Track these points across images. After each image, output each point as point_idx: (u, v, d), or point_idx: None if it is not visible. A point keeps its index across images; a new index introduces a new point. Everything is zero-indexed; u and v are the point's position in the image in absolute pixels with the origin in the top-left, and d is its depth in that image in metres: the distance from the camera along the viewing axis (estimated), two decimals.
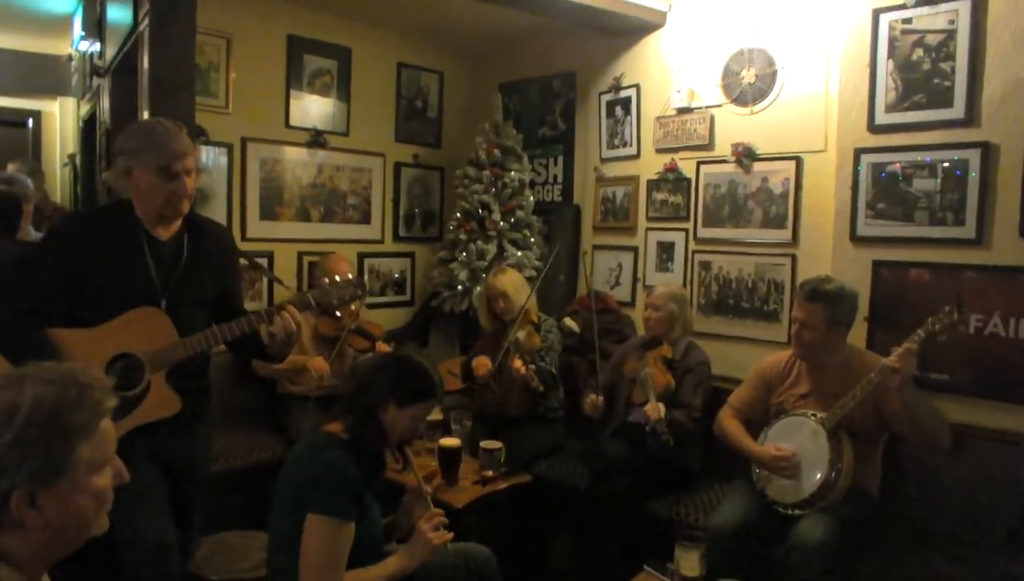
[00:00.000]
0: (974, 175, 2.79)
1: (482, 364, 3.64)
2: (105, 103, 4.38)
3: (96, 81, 4.73)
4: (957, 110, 2.82)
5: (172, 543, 2.21)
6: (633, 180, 4.15)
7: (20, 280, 2.11)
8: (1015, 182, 2.70)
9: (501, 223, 4.35)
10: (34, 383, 1.13)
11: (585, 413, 3.33)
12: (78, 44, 5.13)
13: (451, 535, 2.13)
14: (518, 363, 3.39)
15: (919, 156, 2.93)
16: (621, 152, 4.22)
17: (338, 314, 3.73)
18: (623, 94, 4.19)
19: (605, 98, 4.29)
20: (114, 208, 2.23)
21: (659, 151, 3.99)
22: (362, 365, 3.80)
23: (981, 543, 2.61)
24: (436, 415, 3.63)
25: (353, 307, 3.73)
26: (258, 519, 3.03)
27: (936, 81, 2.87)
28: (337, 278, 2.33)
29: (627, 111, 4.17)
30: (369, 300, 4.72)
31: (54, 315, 2.07)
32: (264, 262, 4.31)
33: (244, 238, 4.22)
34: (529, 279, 4.19)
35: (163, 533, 2.15)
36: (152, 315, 2.12)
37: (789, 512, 2.63)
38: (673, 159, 3.91)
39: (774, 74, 3.49)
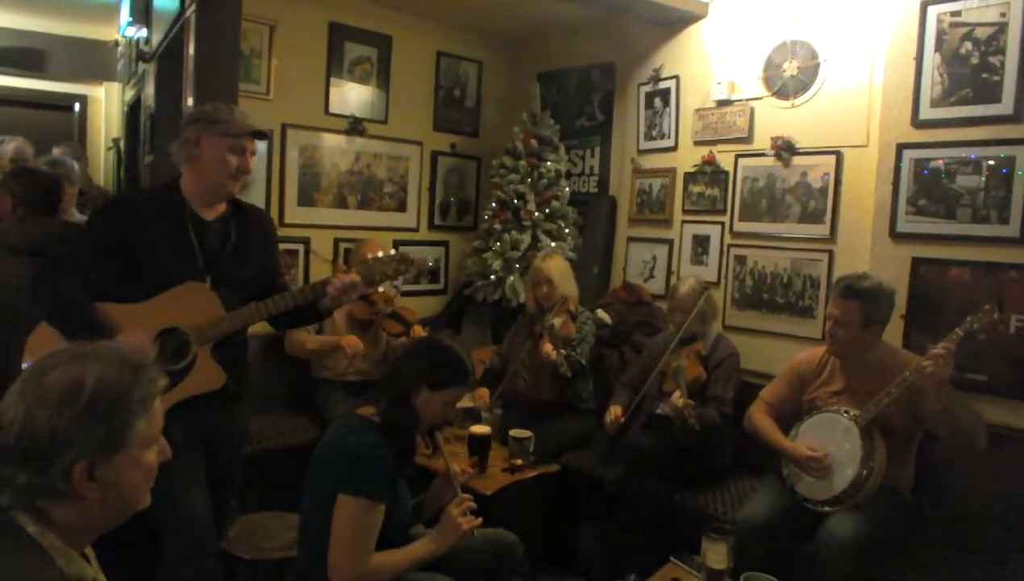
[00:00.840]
0: (1021, 173, 2.73)
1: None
2: (150, 88, 4.47)
3: (142, 67, 4.84)
4: (1006, 106, 2.75)
5: (210, 519, 2.27)
6: (670, 172, 4.12)
7: (70, 257, 2.18)
8: None
9: (536, 213, 4.35)
10: (96, 361, 1.18)
11: (608, 428, 3.35)
12: (125, 30, 5.23)
13: (479, 520, 2.15)
14: (548, 348, 3.40)
15: (964, 152, 2.87)
16: (659, 144, 4.20)
17: (373, 300, 3.80)
18: (662, 85, 4.16)
19: (644, 89, 4.27)
20: (162, 188, 2.30)
21: (697, 144, 3.96)
22: (397, 349, 3.85)
23: (1015, 546, 2.56)
24: (467, 402, 3.67)
25: (389, 290, 3.78)
26: (289, 501, 3.09)
27: (984, 76, 2.80)
28: (380, 254, 2.35)
29: (666, 103, 4.14)
30: (404, 287, 4.77)
31: (104, 287, 2.14)
32: (300, 248, 4.38)
33: (282, 224, 4.28)
34: None
35: (202, 509, 2.21)
36: (198, 290, 2.18)
37: (819, 509, 2.60)
38: (711, 152, 3.88)
39: (817, 67, 3.44)
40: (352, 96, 4.53)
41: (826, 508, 2.58)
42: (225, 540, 2.62)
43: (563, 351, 3.39)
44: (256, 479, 3.18)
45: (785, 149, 3.53)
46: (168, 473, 1.33)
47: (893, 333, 2.90)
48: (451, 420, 2.38)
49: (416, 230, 4.94)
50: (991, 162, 2.80)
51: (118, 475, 1.16)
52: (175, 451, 1.32)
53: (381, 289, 3.70)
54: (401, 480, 2.16)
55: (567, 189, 4.48)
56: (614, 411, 3.36)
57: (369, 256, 2.34)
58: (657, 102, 4.20)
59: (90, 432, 1.12)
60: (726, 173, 3.83)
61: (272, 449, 3.54)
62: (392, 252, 2.38)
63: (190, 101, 3.27)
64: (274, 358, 3.94)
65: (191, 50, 3.21)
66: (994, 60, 2.79)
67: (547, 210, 4.40)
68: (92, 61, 6.54)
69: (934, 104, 2.94)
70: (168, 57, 4.04)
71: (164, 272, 2.16)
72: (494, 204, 4.53)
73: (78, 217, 3.76)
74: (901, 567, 2.52)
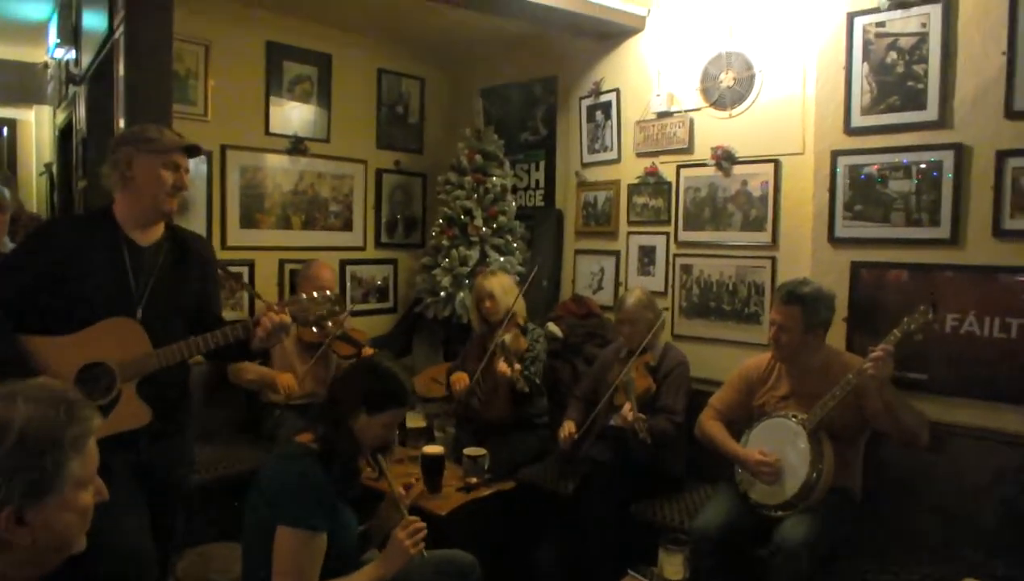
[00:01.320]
0: (948, 176, 2.82)
1: (459, 379, 3.65)
2: (81, 111, 4.34)
3: (72, 89, 4.69)
4: (931, 112, 2.85)
5: (151, 555, 2.19)
6: (614, 184, 4.16)
7: None
8: (987, 183, 2.73)
9: (484, 229, 4.34)
10: (25, 400, 1.13)
11: (561, 445, 3.34)
12: (53, 51, 5.09)
13: (422, 545, 2.09)
14: (503, 366, 3.39)
15: (895, 158, 2.96)
16: (602, 156, 4.24)
17: (315, 329, 3.73)
18: (603, 99, 4.20)
19: (586, 103, 4.30)
20: (95, 214, 2.23)
21: (640, 155, 4.00)
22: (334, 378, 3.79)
23: (961, 541, 2.63)
24: (419, 422, 3.63)
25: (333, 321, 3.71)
26: (239, 530, 3.02)
27: (910, 84, 2.90)
28: (315, 294, 2.30)
29: (607, 115, 4.18)
30: (352, 307, 4.71)
31: (28, 319, 2.05)
32: (244, 271, 4.29)
33: (224, 246, 4.19)
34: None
35: (142, 546, 2.13)
36: (125, 325, 2.11)
37: (772, 513, 2.63)
38: (654, 163, 3.93)
39: (752, 77, 3.52)
40: (293, 115, 4.47)
41: (779, 512, 2.61)
42: (172, 575, 2.53)
43: (518, 366, 3.38)
44: (206, 509, 3.09)
45: (725, 158, 3.60)
46: (107, 509, 1.28)
47: (836, 336, 2.96)
48: (393, 442, 2.33)
49: (363, 249, 4.88)
50: (921, 166, 2.89)
51: (50, 519, 1.12)
52: (113, 486, 1.28)
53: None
54: (344, 506, 2.11)
55: (513, 204, 4.49)
56: (567, 427, 3.36)
57: (303, 295, 2.30)
58: (599, 115, 4.24)
59: (17, 476, 1.08)
60: (669, 184, 3.88)
61: (221, 477, 3.43)
62: (327, 292, 2.33)
63: (122, 123, 3.18)
64: (220, 385, 3.83)
65: (121, 71, 3.13)
66: (918, 68, 2.88)
67: (494, 225, 4.39)
68: (21, 84, 6.34)
69: (864, 112, 3.02)
70: (98, 79, 3.92)
71: (96, 301, 2.09)
72: (441, 220, 4.51)
73: (10, 246, 3.61)
74: (854, 566, 2.56)
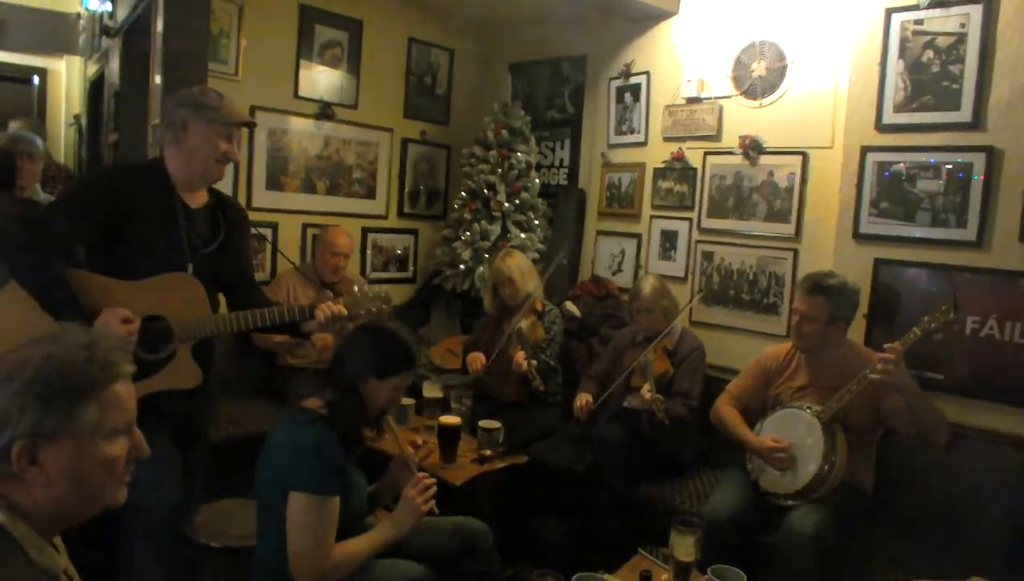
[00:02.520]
0: (977, 179, 2.83)
1: (475, 359, 3.67)
2: (115, 65, 4.36)
3: (106, 42, 4.70)
4: (964, 113, 2.85)
5: (179, 511, 2.25)
6: (640, 167, 4.17)
7: (57, 222, 2.10)
8: (1017, 188, 2.74)
9: (506, 204, 4.36)
10: (52, 341, 1.14)
11: (576, 414, 3.37)
12: (88, 3, 5.09)
13: (433, 502, 2.15)
14: (520, 358, 3.41)
15: (924, 157, 2.96)
16: (629, 138, 4.24)
17: (342, 291, 3.78)
18: (633, 81, 4.19)
19: (615, 84, 4.30)
20: (150, 167, 2.25)
21: (667, 140, 4.01)
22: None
23: (969, 541, 2.66)
24: (436, 393, 3.68)
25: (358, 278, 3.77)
26: (253, 488, 3.09)
27: (945, 83, 2.89)
28: (367, 289, 2.39)
29: (636, 98, 4.18)
30: (371, 275, 4.76)
31: (87, 257, 2.10)
32: (268, 233, 4.33)
33: (250, 207, 4.21)
34: (532, 262, 4.22)
35: (174, 501, 2.19)
36: (190, 284, 2.15)
37: (782, 502, 2.68)
38: (680, 148, 3.93)
39: (784, 68, 3.51)
40: (322, 80, 4.48)
41: (789, 502, 2.65)
42: (192, 528, 2.60)
43: (534, 363, 3.40)
44: (222, 466, 3.16)
45: (753, 148, 3.60)
46: (145, 464, 1.29)
47: (856, 331, 2.99)
48: (398, 404, 2.38)
49: (385, 217, 4.91)
50: (950, 167, 2.90)
51: (66, 464, 1.11)
52: (153, 442, 1.29)
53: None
54: (354, 468, 2.15)
55: (537, 181, 4.50)
56: (584, 397, 3.39)
57: (356, 289, 2.37)
58: (627, 97, 4.24)
59: (26, 411, 1.08)
60: (694, 170, 3.89)
61: (238, 436, 3.49)
62: (378, 289, 2.41)
63: (158, 79, 3.21)
64: (239, 344, 3.89)
65: (159, 27, 3.14)
66: (954, 69, 2.88)
67: (517, 201, 4.41)
68: (53, 33, 6.32)
69: (897, 109, 3.02)
70: (134, 33, 3.95)
71: (149, 253, 2.12)
72: (464, 193, 4.53)
73: (42, 196, 3.66)
74: (860, 561, 2.61)
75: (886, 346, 2.53)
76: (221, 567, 2.66)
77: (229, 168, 3.96)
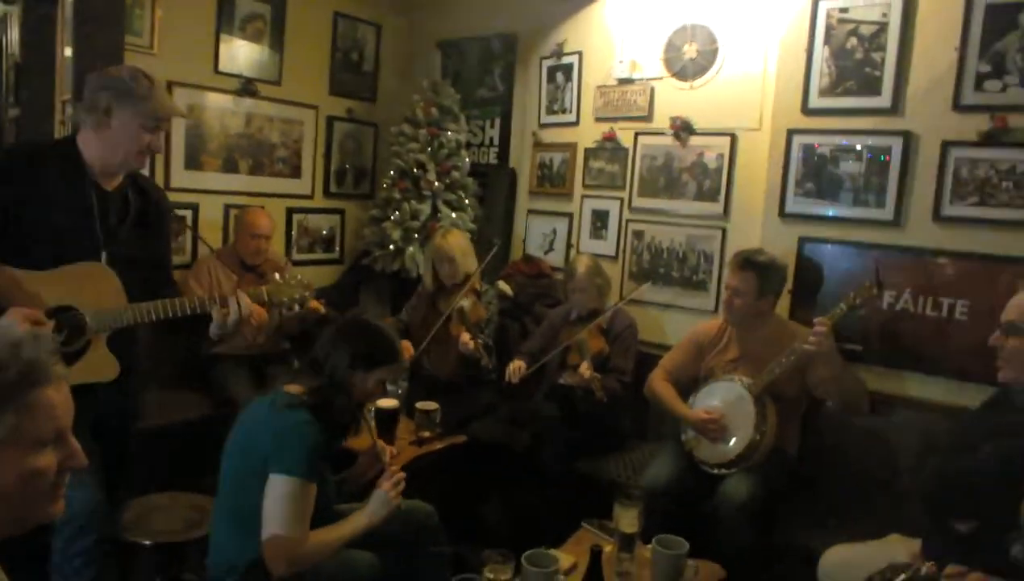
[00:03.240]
0: (895, 162, 2.97)
1: (406, 348, 3.63)
2: (14, 35, 4.04)
3: (1, 8, 4.37)
4: (884, 99, 2.99)
5: (104, 510, 2.15)
6: (571, 147, 4.20)
7: None
8: (931, 171, 2.90)
9: (436, 183, 4.32)
10: None
11: (507, 378, 3.39)
12: None
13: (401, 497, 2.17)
14: (466, 337, 3.41)
15: (847, 140, 3.10)
16: (560, 118, 4.26)
17: (263, 273, 3.66)
18: (565, 60, 4.21)
19: (547, 63, 4.30)
20: (60, 147, 2.13)
21: (598, 120, 4.04)
22: (292, 321, 3.73)
23: (890, 501, 2.82)
24: None
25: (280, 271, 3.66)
26: (182, 480, 2.98)
27: (867, 70, 3.02)
28: (287, 276, 2.34)
29: (568, 77, 4.19)
30: (297, 257, 4.63)
31: None
32: (188, 214, 4.15)
33: (168, 188, 4.01)
34: None
35: (98, 500, 2.09)
36: (103, 273, 2.05)
37: (715, 471, 2.79)
38: (612, 128, 3.98)
39: (715, 52, 3.59)
40: (243, 55, 4.30)
41: (722, 471, 2.77)
42: (120, 526, 2.49)
43: (480, 341, 3.41)
44: (146, 459, 3.03)
45: (683, 129, 3.68)
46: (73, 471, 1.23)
47: (781, 307, 3.12)
48: (378, 396, 2.39)
49: (311, 197, 4.78)
50: (870, 151, 3.04)
51: None
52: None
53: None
54: (323, 460, 2.13)
55: (467, 160, 4.47)
56: (516, 363, 3.42)
57: (278, 276, 2.33)
58: (559, 76, 4.25)
59: None
60: (626, 150, 3.94)
61: (162, 426, 3.37)
62: (299, 276, 2.36)
63: (68, 52, 3.02)
64: (161, 332, 3.71)
65: None
66: (876, 56, 3.01)
67: (447, 181, 4.37)
68: None
69: (822, 93, 3.14)
70: (36, 1, 3.68)
71: (59, 240, 2.01)
72: (393, 173, 4.45)
73: None
74: (788, 522, 2.74)
75: (816, 320, 2.64)
76: (153, 564, 2.57)
77: None
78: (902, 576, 1.84)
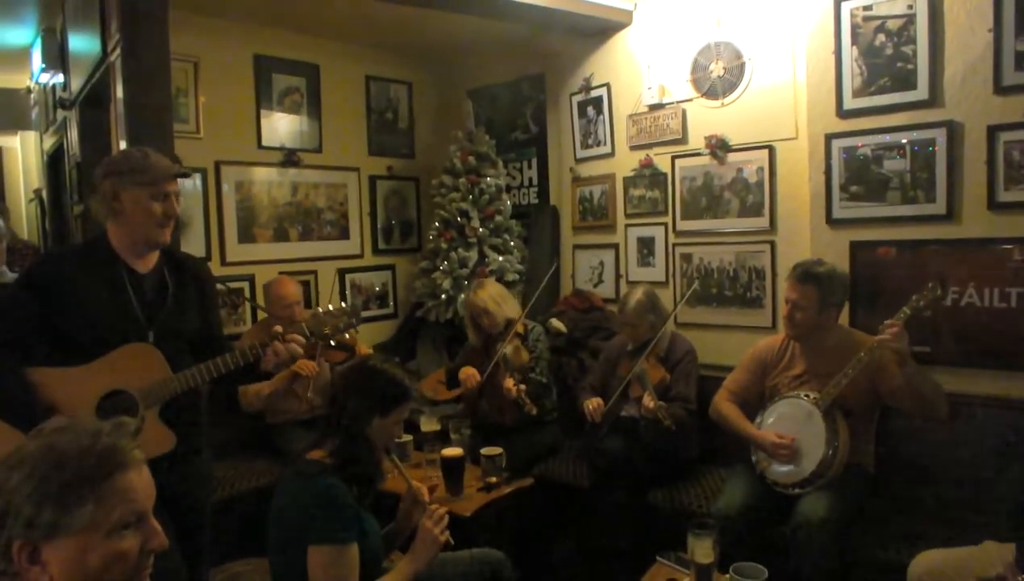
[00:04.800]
0: (941, 153, 2.89)
1: (470, 375, 3.64)
2: (73, 135, 4.32)
3: (61, 114, 4.66)
4: (921, 91, 2.92)
5: (181, 575, 2.20)
6: (609, 178, 4.20)
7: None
8: (980, 157, 2.80)
9: (481, 229, 4.37)
10: (59, 430, 1.09)
11: (590, 418, 3.32)
12: (38, 76, 5.04)
13: (448, 532, 2.14)
14: (509, 383, 3.42)
15: (888, 138, 3.02)
16: (595, 151, 4.28)
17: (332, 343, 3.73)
18: (594, 94, 4.24)
19: (576, 99, 4.34)
20: (91, 243, 2.20)
21: (633, 148, 4.05)
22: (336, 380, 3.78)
23: (977, 507, 2.69)
24: (433, 426, 3.66)
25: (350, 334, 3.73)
26: (259, 545, 3.03)
27: (899, 65, 2.96)
28: (331, 307, 2.33)
29: (599, 110, 4.22)
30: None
31: (34, 356, 2.03)
32: (245, 286, 4.29)
33: (224, 263, 4.20)
34: (512, 283, 4.22)
35: (173, 571, 2.13)
36: (144, 351, 2.10)
37: (790, 492, 2.69)
38: (648, 155, 3.97)
39: (742, 66, 3.57)
40: (284, 127, 4.48)
41: (797, 490, 2.67)
42: None
43: (523, 387, 3.40)
44: (225, 528, 3.10)
45: (719, 147, 3.65)
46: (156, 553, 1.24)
47: (840, 316, 3.02)
48: (399, 436, 2.37)
49: (361, 256, 4.90)
50: (913, 145, 2.96)
51: (69, 563, 1.04)
52: None
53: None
54: (367, 513, 2.12)
55: (509, 203, 4.52)
56: (594, 400, 3.35)
57: (320, 310, 2.32)
58: (590, 110, 4.28)
59: (22, 508, 1.02)
60: (664, 175, 3.93)
61: (236, 495, 3.44)
62: (343, 304, 2.36)
63: (123, 145, 3.17)
64: (225, 401, 3.82)
65: (120, 93, 3.12)
66: (906, 49, 2.94)
67: (491, 225, 4.42)
68: (4, 110, 6.27)
69: (856, 94, 3.09)
70: (91, 102, 3.91)
71: (104, 332, 2.07)
72: (438, 223, 4.54)
73: (9, 275, 3.60)
74: (871, 539, 2.62)
75: (882, 327, 2.54)
76: None
77: (199, 225, 4.03)
78: None
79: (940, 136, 2.88)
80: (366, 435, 2.08)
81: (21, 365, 2.00)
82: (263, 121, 4.37)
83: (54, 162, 5.34)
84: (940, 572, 2.07)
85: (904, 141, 2.98)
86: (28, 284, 2.13)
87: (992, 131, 2.76)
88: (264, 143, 4.38)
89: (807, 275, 2.79)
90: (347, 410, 2.08)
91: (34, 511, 1.02)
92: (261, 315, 4.20)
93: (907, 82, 2.94)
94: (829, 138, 3.16)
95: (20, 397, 1.96)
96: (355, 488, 2.04)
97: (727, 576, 2.10)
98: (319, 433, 2.16)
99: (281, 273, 4.30)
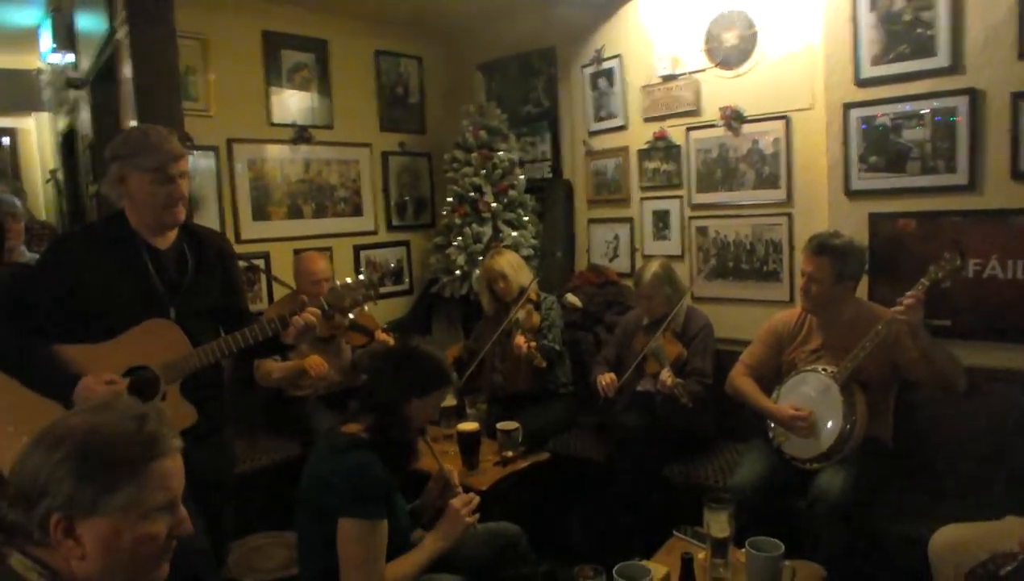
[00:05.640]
0: (962, 122, 2.82)
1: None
2: (85, 115, 4.33)
3: (73, 94, 4.67)
4: (941, 59, 2.84)
5: (206, 550, 2.23)
6: (623, 151, 4.16)
7: (19, 302, 2.09)
8: (1003, 126, 2.74)
9: (494, 204, 4.35)
10: (104, 410, 1.14)
11: (603, 393, 3.31)
12: (48, 57, 5.04)
13: (477, 515, 2.18)
14: (520, 340, 3.44)
15: (907, 107, 2.96)
16: (608, 124, 4.23)
17: (332, 315, 3.76)
18: (605, 65, 4.18)
19: (588, 71, 4.28)
20: (110, 221, 2.20)
21: (647, 120, 3.99)
22: (363, 358, 3.81)
23: (993, 482, 2.67)
24: (450, 401, 3.66)
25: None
26: (279, 519, 3.08)
27: (919, 31, 2.89)
28: (348, 280, 2.34)
29: (611, 82, 4.16)
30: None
31: (57, 334, 2.06)
32: (260, 263, 4.30)
33: (239, 240, 4.20)
34: (527, 258, 4.21)
35: (204, 546, 2.17)
36: (164, 327, 2.12)
37: (807, 466, 2.68)
38: (662, 127, 3.92)
39: (755, 35, 3.50)
40: (294, 104, 4.46)
41: (814, 465, 2.66)
42: (226, 568, 2.59)
43: (533, 343, 3.42)
44: (243, 500, 3.14)
45: (734, 118, 3.59)
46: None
47: (859, 288, 2.98)
48: (435, 419, 2.40)
49: (375, 233, 4.89)
50: (934, 114, 2.89)
51: (101, 540, 1.08)
52: None
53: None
54: (395, 491, 2.15)
55: (522, 177, 4.49)
56: (607, 375, 3.33)
57: (338, 283, 2.33)
58: (602, 83, 4.22)
59: (63, 484, 1.06)
60: (678, 147, 3.88)
61: (256, 470, 3.49)
62: (360, 277, 2.36)
63: (133, 124, 3.18)
64: (245, 378, 3.85)
65: (127, 72, 3.12)
66: (926, 15, 2.87)
67: (505, 200, 4.40)
68: (16, 92, 6.28)
69: (874, 62, 3.02)
70: (101, 81, 3.91)
71: (125, 308, 2.09)
72: (451, 199, 4.52)
73: (28, 255, 3.63)
74: (889, 514, 2.61)
75: (899, 300, 2.51)
76: None
77: (212, 204, 4.03)
78: (1007, 568, 1.71)
79: (962, 104, 2.81)
80: (404, 414, 2.11)
81: (49, 342, 2.04)
82: (273, 98, 4.35)
83: (68, 143, 5.36)
84: (961, 546, 2.06)
85: (924, 110, 2.92)
86: (50, 264, 2.15)
87: (1016, 98, 2.69)
88: (275, 120, 4.37)
89: (822, 247, 2.75)
90: (386, 388, 2.12)
91: (74, 488, 1.06)
92: (279, 290, 4.22)
93: (927, 49, 2.87)
94: (847, 108, 3.10)
95: (54, 372, 2.00)
96: (392, 465, 2.08)
97: (743, 550, 2.10)
98: (357, 406, 2.19)
99: (302, 250, 4.32)
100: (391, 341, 3.58)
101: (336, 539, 1.95)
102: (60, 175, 5.90)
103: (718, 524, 2.17)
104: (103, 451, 1.09)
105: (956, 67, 2.82)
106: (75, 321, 2.10)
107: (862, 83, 3.06)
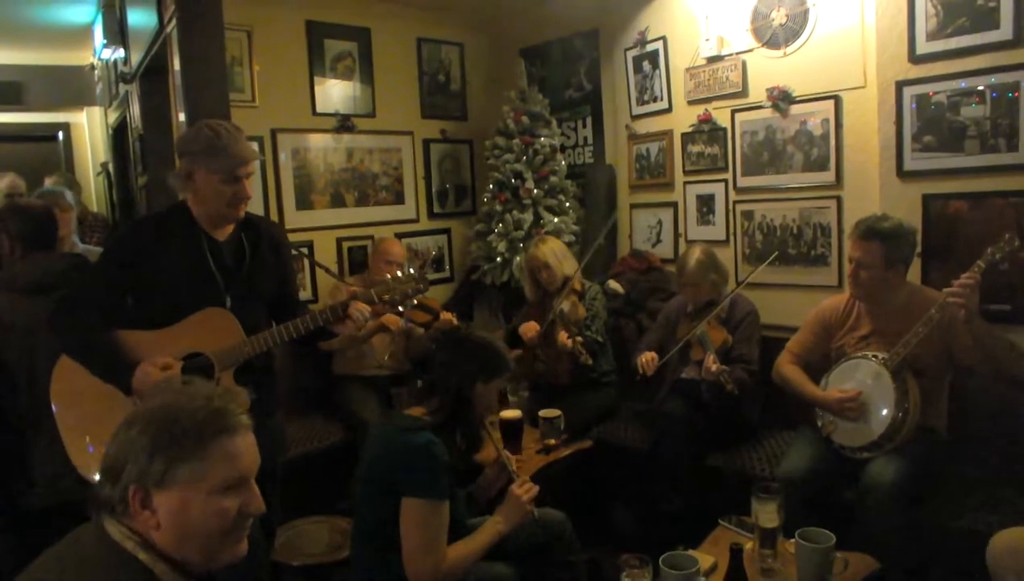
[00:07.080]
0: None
1: (530, 328, 3.62)
2: (135, 109, 4.42)
3: (123, 88, 4.77)
4: (1004, 31, 2.72)
5: (261, 539, 2.28)
6: (667, 135, 4.09)
7: (86, 290, 2.18)
8: None
9: (535, 190, 4.32)
10: (178, 391, 1.22)
11: (641, 370, 3.25)
12: (100, 52, 5.16)
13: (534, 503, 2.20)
14: (564, 337, 3.41)
15: (963, 84, 2.84)
16: (652, 107, 4.16)
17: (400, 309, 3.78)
18: (649, 48, 4.11)
19: (631, 54, 4.22)
20: (172, 213, 2.26)
21: (691, 103, 3.92)
22: (422, 341, 3.82)
23: None
24: None
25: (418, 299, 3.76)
26: (326, 503, 3.12)
27: (979, 3, 2.77)
28: (398, 273, 2.36)
29: (655, 65, 4.09)
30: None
31: (119, 321, 2.14)
32: (305, 252, 4.35)
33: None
34: (568, 245, 4.18)
35: (252, 540, 2.20)
36: (219, 315, 2.18)
37: (857, 456, 2.61)
38: (707, 110, 3.84)
39: (805, 12, 3.40)
40: (337, 93, 4.48)
41: (865, 454, 2.59)
42: (273, 550, 2.64)
43: (579, 339, 3.39)
44: (289, 485, 3.19)
45: (782, 99, 3.50)
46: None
47: (912, 272, 2.87)
48: (495, 408, 2.42)
49: (417, 221, 4.91)
50: (994, 90, 2.77)
51: (173, 512, 1.14)
52: None
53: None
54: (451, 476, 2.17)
55: (563, 163, 4.45)
56: (648, 354, 3.27)
57: (388, 277, 2.36)
58: (646, 65, 4.15)
59: (137, 457, 1.13)
60: (724, 129, 3.80)
61: (303, 454, 3.54)
62: (409, 270, 2.39)
63: (181, 117, 3.23)
64: (293, 357, 3.90)
65: (176, 66, 3.16)
66: None
67: (546, 186, 4.36)
68: (70, 87, 6.46)
69: (930, 37, 2.91)
70: (150, 75, 3.99)
71: (184, 296, 2.16)
72: (492, 186, 4.50)
73: (80, 246, 3.72)
74: (948, 507, 2.53)
75: (954, 282, 2.42)
76: None
77: (256, 193, 4.08)
78: None
79: None
80: (470, 398, 2.14)
81: (112, 329, 2.12)
82: (316, 88, 4.38)
83: (119, 136, 5.49)
84: (1021, 551, 1.98)
85: (982, 87, 2.80)
86: (114, 254, 2.24)
87: None
88: (318, 109, 4.40)
89: (870, 232, 2.65)
90: (451, 373, 2.14)
91: (147, 461, 1.13)
92: (323, 277, 4.27)
93: (988, 21, 2.75)
94: (900, 85, 3.00)
95: (115, 359, 2.07)
96: (457, 449, 2.13)
97: (792, 541, 2.06)
98: (422, 389, 2.22)
99: (339, 238, 4.36)
100: (454, 320, 3.60)
101: (393, 518, 1.98)
102: (111, 167, 6.05)
103: (767, 514, 2.13)
104: (172, 425, 1.15)
105: (1020, 40, 2.70)
106: (137, 308, 2.19)
107: (917, 60, 2.95)
